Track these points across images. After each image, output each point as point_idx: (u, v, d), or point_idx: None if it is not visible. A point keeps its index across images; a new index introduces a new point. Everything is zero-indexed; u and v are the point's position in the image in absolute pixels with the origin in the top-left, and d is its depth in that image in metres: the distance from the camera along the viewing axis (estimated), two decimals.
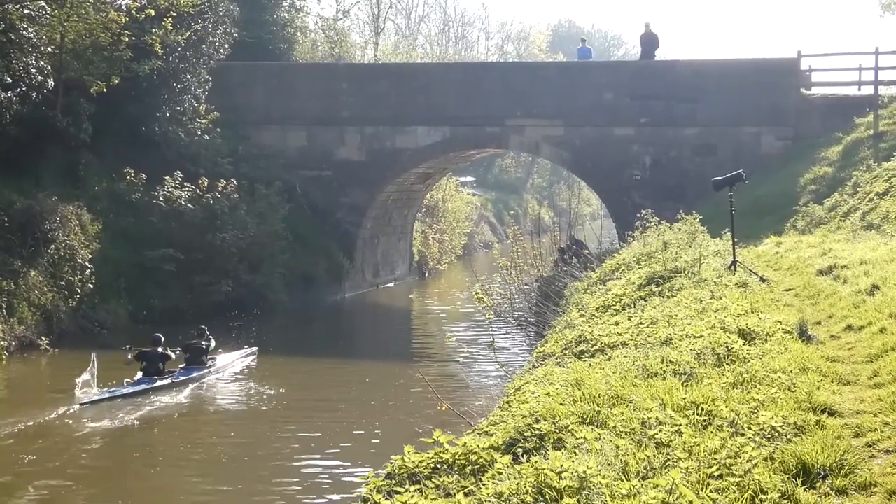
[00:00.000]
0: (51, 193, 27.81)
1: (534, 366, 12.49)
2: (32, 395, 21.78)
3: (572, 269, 23.94)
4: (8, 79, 26.98)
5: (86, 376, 20.90)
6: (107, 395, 20.70)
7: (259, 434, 19.14)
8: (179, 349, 23.37)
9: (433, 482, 6.86)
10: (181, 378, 22.59)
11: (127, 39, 29.51)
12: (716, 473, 6.26)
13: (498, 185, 77.53)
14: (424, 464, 7.17)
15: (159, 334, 23.06)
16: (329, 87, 39.17)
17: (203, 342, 23.81)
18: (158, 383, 21.94)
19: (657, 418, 7.36)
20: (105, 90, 29.10)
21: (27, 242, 25.87)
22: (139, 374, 22.12)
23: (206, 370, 23.46)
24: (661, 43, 39.92)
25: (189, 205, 31.70)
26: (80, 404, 20.13)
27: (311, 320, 31.85)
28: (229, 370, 24.37)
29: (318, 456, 17.81)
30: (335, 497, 15.70)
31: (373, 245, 41.39)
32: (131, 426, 19.21)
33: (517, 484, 6.22)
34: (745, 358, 9.35)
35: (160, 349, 22.52)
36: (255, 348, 26.45)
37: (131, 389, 21.38)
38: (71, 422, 19.19)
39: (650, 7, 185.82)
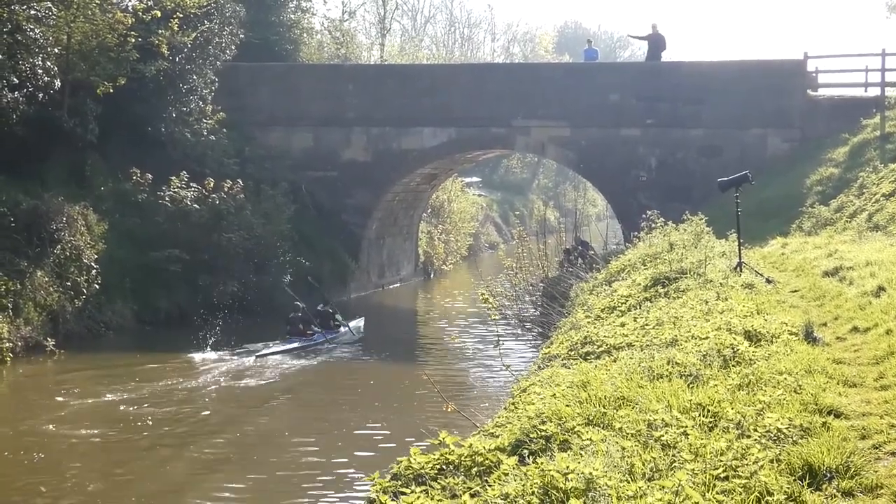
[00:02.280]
0: (57, 194, 27.82)
1: (539, 367, 12.50)
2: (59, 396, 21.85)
3: (578, 270, 23.96)
4: (14, 79, 27.02)
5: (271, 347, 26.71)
6: (273, 350, 26.42)
7: (263, 434, 19.16)
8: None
9: (439, 483, 6.88)
10: (319, 339, 28.22)
11: (133, 40, 29.53)
12: (722, 475, 6.27)
13: (503, 185, 77.49)
14: (430, 465, 7.18)
15: (299, 302, 28.89)
16: (335, 88, 39.17)
17: (329, 308, 29.68)
18: (304, 343, 27.53)
19: (663, 420, 7.36)
20: (111, 91, 29.10)
21: (33, 243, 25.88)
22: (287, 336, 27.76)
23: (335, 333, 29.02)
24: (667, 44, 39.95)
25: (195, 205, 31.69)
26: (257, 357, 25.66)
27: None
28: (349, 334, 29.53)
29: (324, 457, 17.82)
30: (341, 498, 15.72)
31: (378, 246, 41.40)
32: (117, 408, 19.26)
33: (523, 485, 6.22)
34: (750, 359, 9.35)
35: (301, 314, 28.24)
36: (362, 317, 31.50)
37: (287, 346, 26.93)
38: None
39: (656, 9, 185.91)
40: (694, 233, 18.93)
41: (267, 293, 32.57)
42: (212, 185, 32.16)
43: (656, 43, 39.70)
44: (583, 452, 6.84)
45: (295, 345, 27.15)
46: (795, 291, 14.52)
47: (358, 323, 30.85)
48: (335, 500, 15.69)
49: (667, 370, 9.06)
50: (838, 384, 8.68)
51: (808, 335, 10.55)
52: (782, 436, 7.04)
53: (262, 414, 20.77)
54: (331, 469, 17.15)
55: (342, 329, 29.55)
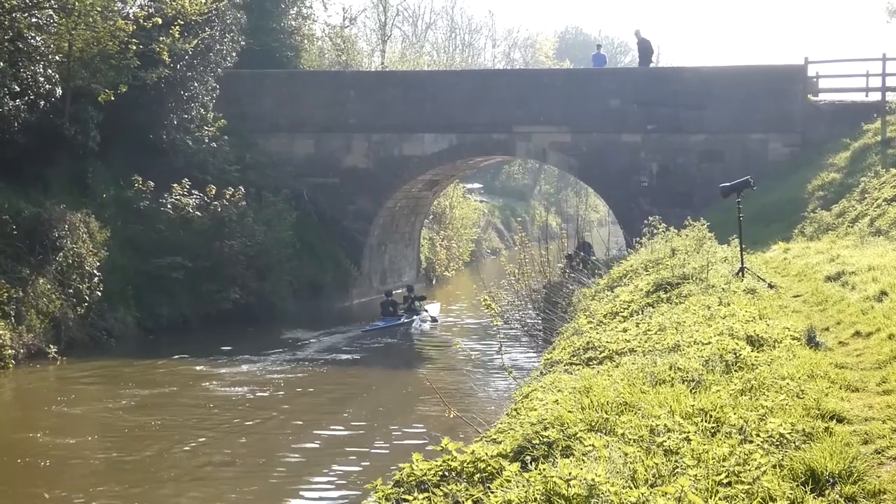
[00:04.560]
0: (59, 201, 27.83)
1: (542, 373, 12.49)
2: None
3: (580, 276, 23.95)
4: (16, 87, 27.02)
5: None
6: (373, 326, 32.66)
7: (265, 440, 19.14)
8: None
9: (441, 490, 6.86)
10: (406, 319, 34.20)
11: (134, 48, 29.53)
12: (725, 481, 6.25)
13: (505, 191, 77.55)
14: (433, 471, 7.17)
15: (390, 288, 37.59)
16: (336, 94, 39.25)
17: (413, 294, 35.81)
18: (395, 322, 33.50)
19: (665, 425, 7.35)
20: (113, 98, 29.13)
21: (35, 250, 25.89)
22: (382, 316, 34.00)
23: (417, 316, 34.78)
24: (653, 48, 40.34)
25: (197, 212, 31.73)
26: (363, 331, 32.02)
27: (318, 327, 31.83)
28: (430, 316, 35.38)
29: (326, 463, 17.80)
30: None
31: (380, 252, 41.43)
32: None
33: (526, 492, 6.21)
34: (753, 364, 9.33)
35: (391, 298, 35.02)
36: (438, 303, 37.95)
37: (385, 324, 33.07)
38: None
39: (656, 14, 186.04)
40: (696, 238, 18.92)
41: (268, 300, 32.62)
42: (213, 192, 32.20)
43: (645, 48, 39.98)
44: (585, 458, 6.83)
45: (389, 323, 33.23)
46: (798, 296, 14.50)
47: (435, 307, 36.62)
48: None
49: (669, 375, 9.05)
50: (841, 389, 8.67)
51: (810, 340, 10.54)
52: (785, 441, 7.03)
53: (263, 420, 20.74)
54: (333, 475, 17.13)
55: (422, 312, 35.25)
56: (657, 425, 7.37)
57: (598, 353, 11.43)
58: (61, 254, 26.59)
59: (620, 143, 36.45)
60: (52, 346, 25.10)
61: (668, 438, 7.06)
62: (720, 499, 6.02)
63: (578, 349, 12.02)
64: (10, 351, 23.79)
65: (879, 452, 7.05)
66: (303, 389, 23.72)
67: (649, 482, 6.32)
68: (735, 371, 9.19)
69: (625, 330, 12.63)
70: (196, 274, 30.57)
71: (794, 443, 7.02)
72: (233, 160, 36.17)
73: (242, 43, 37.92)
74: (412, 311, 34.93)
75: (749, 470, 6.36)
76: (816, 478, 6.43)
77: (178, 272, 30.19)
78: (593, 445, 7.00)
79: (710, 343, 10.17)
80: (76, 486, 16.25)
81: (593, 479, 6.05)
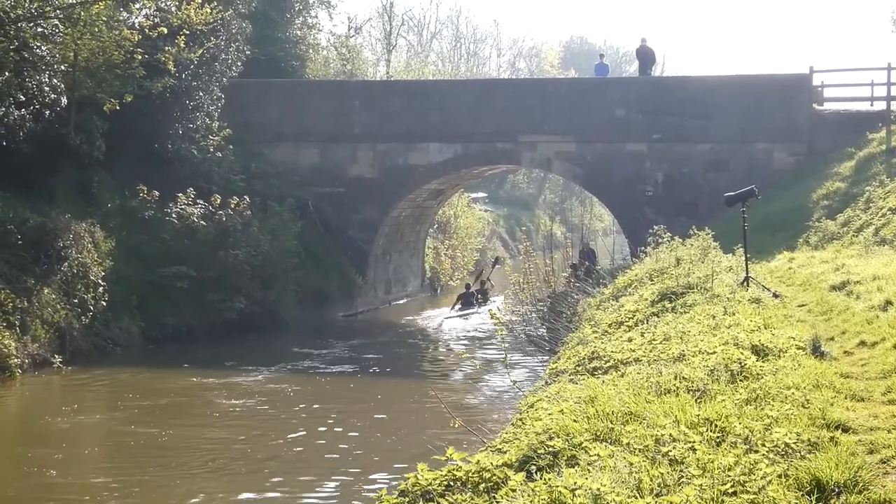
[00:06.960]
0: (64, 211, 27.86)
1: (547, 382, 12.48)
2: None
3: (585, 285, 23.95)
4: (21, 97, 27.07)
5: (452, 312, 39.44)
6: (454, 314, 38.98)
7: (269, 450, 19.12)
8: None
9: (447, 500, 6.86)
10: (479, 309, 38.46)
11: (140, 57, 29.56)
12: (730, 490, 6.24)
13: (510, 200, 77.56)
14: (438, 481, 7.17)
15: (468, 282, 43.58)
16: (341, 104, 39.30)
17: (487, 287, 42.57)
18: (469, 311, 39.00)
19: (671, 435, 7.34)
20: (118, 108, 29.16)
21: (40, 260, 25.90)
22: (459, 305, 40.00)
23: (487, 305, 37.57)
24: (655, 58, 40.44)
25: (202, 222, 31.73)
26: (445, 318, 38.32)
27: (323, 337, 31.82)
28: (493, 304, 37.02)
29: (331, 473, 17.78)
30: None
31: (385, 261, 41.44)
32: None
33: (531, 501, 6.22)
34: (758, 374, 9.32)
35: (470, 290, 41.27)
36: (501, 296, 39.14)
37: (460, 313, 39.05)
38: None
39: (661, 23, 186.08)
40: (701, 247, 18.90)
41: (273, 309, 32.61)
42: (218, 201, 32.19)
43: (646, 56, 40.04)
44: (590, 468, 6.83)
45: (466, 311, 39.09)
46: (802, 306, 14.50)
47: (500, 299, 38.59)
48: None
49: (674, 385, 9.04)
50: (846, 399, 8.66)
51: (815, 350, 10.53)
52: (790, 451, 7.02)
53: (268, 430, 20.73)
54: (338, 485, 17.10)
55: (492, 300, 39.47)
56: (662, 435, 7.36)
57: (603, 362, 11.42)
58: (66, 263, 26.60)
59: (625, 152, 36.46)
60: (57, 356, 25.12)
61: (674, 448, 7.06)
62: None
63: (583, 359, 12.01)
64: (15, 360, 23.81)
65: (885, 462, 7.04)
66: (307, 399, 23.69)
67: (654, 492, 6.31)
68: (740, 381, 9.18)
69: (630, 339, 12.62)
70: (201, 283, 30.57)
71: (800, 452, 7.01)
72: (238, 170, 36.19)
73: (248, 52, 37.95)
74: (485, 302, 39.92)
75: (754, 480, 6.35)
76: (822, 487, 6.42)
77: (182, 282, 30.20)
78: (598, 455, 7.00)
79: (715, 353, 10.16)
80: (82, 496, 16.25)
81: (598, 489, 6.05)
